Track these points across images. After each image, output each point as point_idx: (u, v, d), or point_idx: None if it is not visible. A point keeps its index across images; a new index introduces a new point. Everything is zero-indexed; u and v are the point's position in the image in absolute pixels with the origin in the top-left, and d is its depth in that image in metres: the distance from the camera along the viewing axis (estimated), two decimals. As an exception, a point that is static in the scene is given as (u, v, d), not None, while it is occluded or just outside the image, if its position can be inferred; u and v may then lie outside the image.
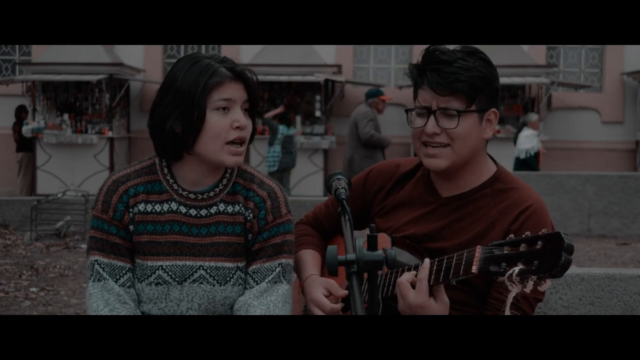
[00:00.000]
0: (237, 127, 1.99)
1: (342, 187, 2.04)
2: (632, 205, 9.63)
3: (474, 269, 1.75)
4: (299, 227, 2.39)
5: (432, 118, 2.04)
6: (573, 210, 9.56)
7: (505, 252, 1.70)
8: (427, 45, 2.11)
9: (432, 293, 1.91)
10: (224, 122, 1.98)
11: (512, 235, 1.73)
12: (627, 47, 15.08)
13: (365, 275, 1.74)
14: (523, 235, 1.69)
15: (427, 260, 1.93)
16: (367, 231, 1.80)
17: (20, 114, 13.92)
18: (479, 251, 1.76)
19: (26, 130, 13.60)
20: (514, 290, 1.66)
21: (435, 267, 1.91)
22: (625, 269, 2.88)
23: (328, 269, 1.66)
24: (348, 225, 1.87)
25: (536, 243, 1.65)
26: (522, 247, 1.67)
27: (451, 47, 2.10)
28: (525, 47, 14.53)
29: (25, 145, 13.82)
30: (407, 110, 2.14)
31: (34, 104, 13.95)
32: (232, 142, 1.99)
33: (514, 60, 13.67)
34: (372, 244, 1.69)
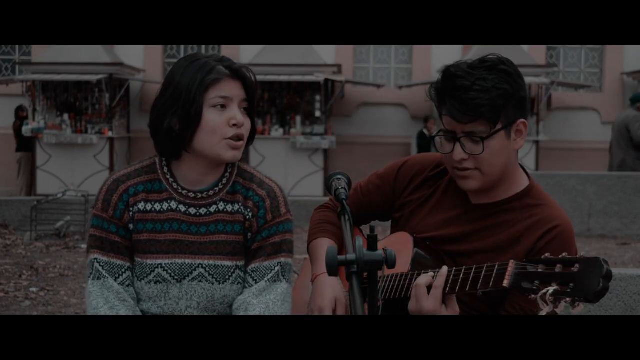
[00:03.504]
0: (234, 125, 1.99)
1: (342, 187, 2.03)
2: (632, 205, 9.62)
3: (506, 283, 1.72)
4: (321, 212, 2.36)
5: (458, 145, 2.00)
6: (573, 210, 9.54)
7: (539, 270, 1.67)
8: (446, 65, 2.03)
9: (444, 300, 1.91)
10: (221, 119, 1.99)
11: (548, 254, 1.70)
12: (627, 47, 15.09)
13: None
14: (560, 256, 1.67)
15: (445, 268, 1.92)
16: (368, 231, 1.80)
17: (18, 113, 13.91)
18: (512, 265, 1.73)
19: (26, 130, 13.59)
20: (545, 310, 1.64)
21: (453, 277, 1.89)
22: (625, 269, 2.88)
23: (328, 269, 1.66)
24: (348, 225, 1.87)
25: (573, 265, 1.63)
26: (558, 268, 1.64)
27: (469, 60, 2.02)
28: (525, 47, 14.52)
29: (25, 145, 13.81)
30: (433, 137, 2.11)
31: (34, 103, 13.93)
32: (229, 139, 2.00)
33: (513, 60, 13.62)
34: (372, 244, 1.69)
